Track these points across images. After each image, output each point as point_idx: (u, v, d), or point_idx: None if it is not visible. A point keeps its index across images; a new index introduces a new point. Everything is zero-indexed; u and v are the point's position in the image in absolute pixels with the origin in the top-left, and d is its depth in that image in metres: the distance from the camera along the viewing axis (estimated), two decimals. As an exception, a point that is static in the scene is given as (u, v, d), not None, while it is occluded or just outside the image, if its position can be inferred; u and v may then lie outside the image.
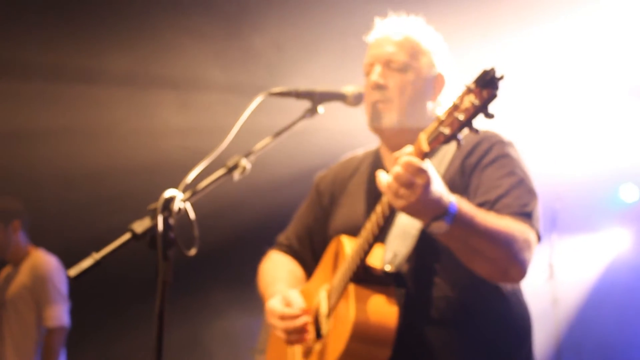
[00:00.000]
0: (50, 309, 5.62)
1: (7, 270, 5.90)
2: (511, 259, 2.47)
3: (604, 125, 7.16)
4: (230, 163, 2.48)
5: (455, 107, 2.12)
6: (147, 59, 6.52)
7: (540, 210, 2.65)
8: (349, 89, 2.74)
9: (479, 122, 2.10)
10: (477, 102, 2.06)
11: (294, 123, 2.63)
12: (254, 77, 6.47)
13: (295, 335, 2.78)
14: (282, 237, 3.26)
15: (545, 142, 7.09)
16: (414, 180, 2.20)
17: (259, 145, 2.54)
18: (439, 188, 2.27)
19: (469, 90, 2.08)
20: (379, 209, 2.49)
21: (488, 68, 2.05)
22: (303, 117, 2.65)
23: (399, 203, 2.25)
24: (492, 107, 2.07)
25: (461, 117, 2.09)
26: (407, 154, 2.23)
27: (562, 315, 7.71)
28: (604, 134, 7.23)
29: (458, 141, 2.14)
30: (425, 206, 2.25)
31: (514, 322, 2.74)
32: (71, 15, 6.20)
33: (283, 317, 2.78)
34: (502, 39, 5.98)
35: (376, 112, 2.80)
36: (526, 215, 2.57)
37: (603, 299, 7.89)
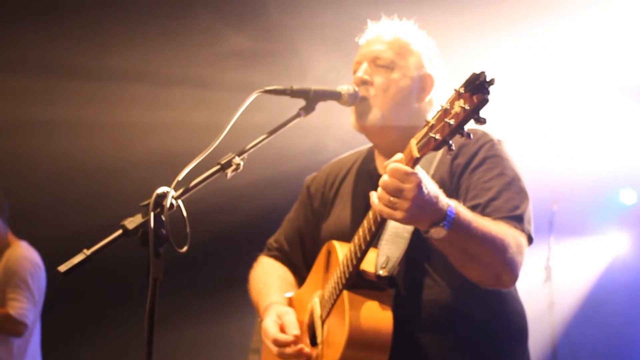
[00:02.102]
0: (15, 302, 5.47)
1: None
2: (504, 264, 2.46)
3: (602, 127, 7.16)
4: (223, 160, 2.47)
5: (446, 112, 2.09)
6: (143, 57, 6.53)
7: (530, 211, 2.64)
8: (343, 88, 2.73)
9: (470, 125, 2.08)
10: (467, 107, 2.03)
11: (288, 121, 2.61)
12: (249, 75, 6.48)
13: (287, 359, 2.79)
14: (272, 240, 3.25)
15: (543, 144, 7.08)
16: (402, 187, 2.18)
17: (252, 143, 2.53)
18: (433, 191, 2.25)
19: (458, 95, 2.06)
20: (370, 214, 2.48)
21: (478, 72, 2.02)
22: (297, 115, 2.64)
23: (396, 215, 2.22)
24: (483, 112, 2.03)
25: (452, 122, 2.07)
26: (395, 161, 2.22)
27: (558, 318, 7.70)
28: (602, 136, 7.23)
29: (449, 146, 2.11)
30: (421, 211, 2.22)
31: (508, 324, 2.73)
32: (68, 10, 6.20)
33: (277, 343, 2.79)
34: (499, 40, 5.98)
35: (360, 110, 2.80)
36: (517, 219, 2.56)
37: (600, 302, 7.88)
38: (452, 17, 5.68)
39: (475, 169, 2.66)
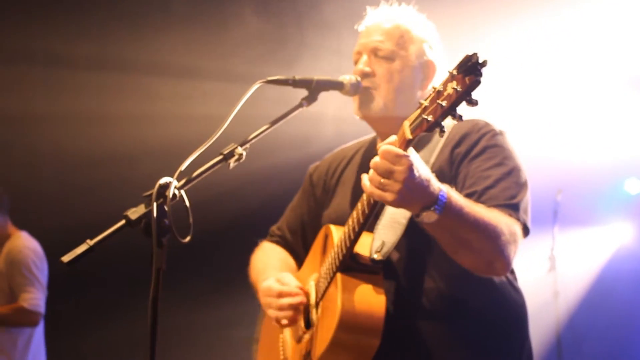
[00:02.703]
0: (26, 294, 5.54)
1: None
2: (497, 252, 2.45)
3: (606, 117, 7.15)
4: (226, 151, 2.46)
5: (439, 94, 2.10)
6: (147, 47, 6.53)
7: (528, 201, 2.62)
8: (345, 78, 2.72)
9: (464, 109, 2.08)
10: (459, 88, 2.03)
11: (290, 111, 2.61)
12: (251, 65, 6.47)
13: (290, 312, 2.75)
14: (274, 228, 3.26)
15: (547, 134, 7.07)
16: (393, 168, 2.18)
17: (255, 133, 2.52)
18: (425, 174, 2.24)
19: (451, 77, 2.06)
20: (364, 196, 2.47)
21: (470, 54, 2.02)
22: (300, 105, 2.64)
23: (387, 197, 2.22)
24: (475, 94, 2.04)
25: (444, 103, 2.07)
26: (387, 143, 2.21)
27: (563, 308, 7.71)
28: (607, 126, 7.21)
29: (441, 127, 2.12)
30: (411, 193, 2.21)
31: (505, 312, 2.72)
32: (74, 0, 6.21)
33: (280, 294, 2.76)
34: (505, 28, 5.97)
35: (363, 99, 2.80)
36: (513, 207, 2.55)
37: (605, 292, 7.88)
38: (456, 2, 5.67)
39: (475, 158, 2.65)
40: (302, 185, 3.22)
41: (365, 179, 2.26)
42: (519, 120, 6.29)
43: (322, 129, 6.41)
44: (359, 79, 2.75)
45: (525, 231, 2.58)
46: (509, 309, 2.73)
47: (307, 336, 2.78)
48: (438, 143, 2.72)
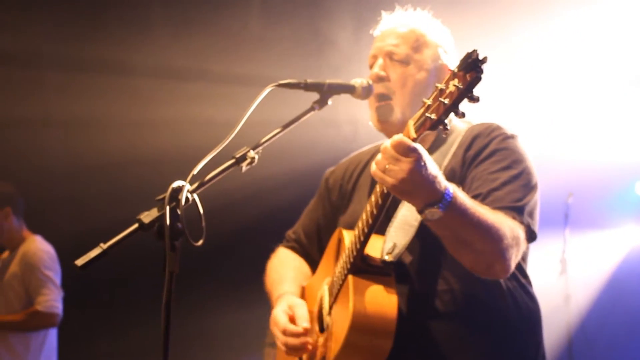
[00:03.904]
0: (41, 296, 5.57)
1: (6, 254, 5.89)
2: (497, 254, 2.44)
3: (617, 119, 7.13)
4: (238, 154, 2.47)
5: (441, 92, 2.13)
6: (158, 51, 6.54)
7: (535, 205, 2.61)
8: (357, 81, 2.72)
9: (465, 106, 2.11)
10: (461, 85, 2.06)
11: (302, 115, 2.62)
12: (264, 69, 6.48)
13: (293, 351, 2.81)
14: (290, 232, 3.28)
15: (558, 137, 7.06)
16: (401, 158, 2.20)
17: (267, 136, 2.53)
18: (432, 170, 2.25)
19: (453, 75, 2.10)
20: (372, 197, 2.49)
21: (470, 51, 2.05)
22: (311, 109, 2.64)
23: (387, 181, 2.24)
24: (476, 90, 2.07)
25: (446, 101, 2.10)
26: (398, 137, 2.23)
27: (574, 311, 7.68)
28: (618, 128, 7.19)
29: (445, 125, 2.14)
30: (414, 186, 2.23)
31: (520, 314, 2.71)
32: (84, 4, 6.23)
33: (285, 332, 2.80)
34: (514, 29, 5.96)
35: (382, 111, 2.82)
36: (517, 210, 2.55)
37: (616, 295, 7.84)
38: (466, 5, 5.67)
39: (484, 160, 2.66)
40: (318, 189, 3.24)
41: (373, 163, 2.29)
42: (530, 123, 6.28)
43: (338, 133, 6.41)
44: (370, 82, 2.75)
45: (531, 234, 2.57)
46: (523, 310, 2.72)
47: (321, 339, 2.80)
48: (452, 146, 2.73)
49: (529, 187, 2.62)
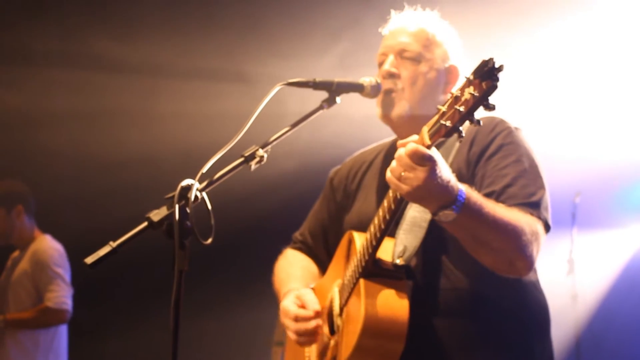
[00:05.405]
0: (51, 292, 5.59)
1: (16, 253, 5.91)
2: (517, 251, 2.45)
3: (625, 119, 7.11)
4: (247, 153, 2.48)
5: (456, 99, 2.11)
6: (168, 48, 6.55)
7: (547, 198, 2.62)
8: (365, 80, 2.72)
9: (481, 113, 2.09)
10: (476, 93, 2.05)
11: (311, 114, 2.62)
12: (271, 67, 6.49)
13: (306, 337, 2.82)
14: (297, 234, 3.29)
15: (565, 137, 7.04)
16: (416, 167, 2.20)
17: (276, 135, 2.54)
18: (446, 175, 2.26)
19: (468, 82, 2.08)
20: (385, 202, 2.49)
21: (487, 59, 2.04)
22: (320, 107, 2.65)
23: (403, 188, 2.25)
24: (492, 99, 2.06)
25: (462, 109, 2.09)
26: (412, 141, 2.23)
27: (582, 311, 7.66)
28: (626, 127, 7.17)
29: (459, 133, 2.14)
30: (430, 192, 2.24)
31: (528, 314, 2.71)
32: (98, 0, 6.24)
33: (296, 318, 2.81)
34: (522, 29, 5.95)
35: (387, 102, 2.81)
36: (533, 205, 2.55)
37: (624, 294, 7.82)
38: (474, 5, 5.66)
39: (491, 156, 2.66)
40: (323, 190, 3.24)
41: (388, 169, 2.29)
42: (537, 122, 6.27)
43: (342, 133, 6.41)
44: (379, 80, 2.75)
45: (547, 228, 2.57)
46: (531, 312, 2.73)
47: (332, 342, 2.80)
48: (454, 144, 2.72)
49: (541, 181, 2.63)
